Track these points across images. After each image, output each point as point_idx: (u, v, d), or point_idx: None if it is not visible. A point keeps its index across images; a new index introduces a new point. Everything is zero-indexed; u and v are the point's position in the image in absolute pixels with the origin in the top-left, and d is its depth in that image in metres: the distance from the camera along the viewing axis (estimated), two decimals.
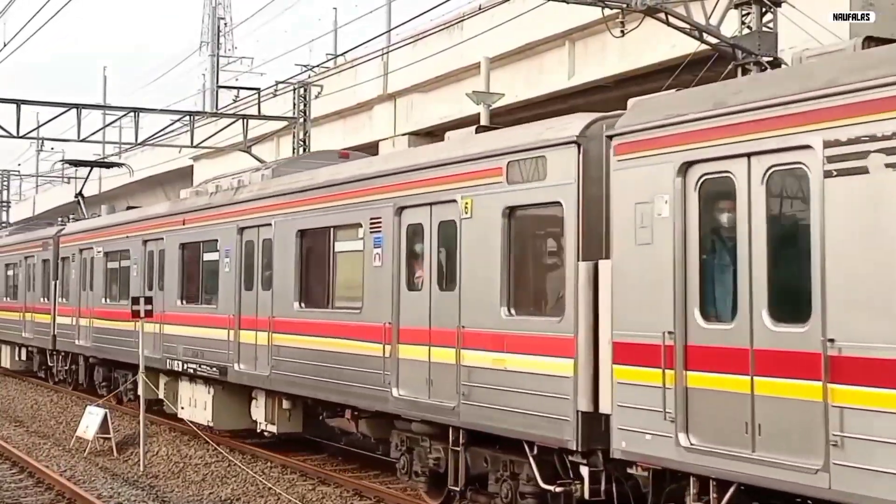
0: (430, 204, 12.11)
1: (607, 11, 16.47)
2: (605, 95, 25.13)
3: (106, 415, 18.49)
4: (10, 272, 32.36)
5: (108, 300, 23.16)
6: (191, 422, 18.23)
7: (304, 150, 29.60)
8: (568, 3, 16.86)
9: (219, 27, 64.06)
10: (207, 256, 18.14)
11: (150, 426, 19.15)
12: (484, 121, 22.61)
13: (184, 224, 18.98)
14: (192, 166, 49.10)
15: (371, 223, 13.16)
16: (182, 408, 18.96)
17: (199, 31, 72.35)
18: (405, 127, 33.42)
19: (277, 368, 15.30)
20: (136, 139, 30.67)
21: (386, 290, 12.71)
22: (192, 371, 18.17)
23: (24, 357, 31.15)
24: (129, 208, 26.64)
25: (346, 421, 14.70)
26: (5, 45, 28.41)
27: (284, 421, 16.24)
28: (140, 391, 17.45)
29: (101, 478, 15.80)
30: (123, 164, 32.66)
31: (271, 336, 15.45)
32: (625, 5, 15.98)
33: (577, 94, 26.36)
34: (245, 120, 28.73)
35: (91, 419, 18.63)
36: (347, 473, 15.19)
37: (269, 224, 15.75)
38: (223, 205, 17.56)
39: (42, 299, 28.08)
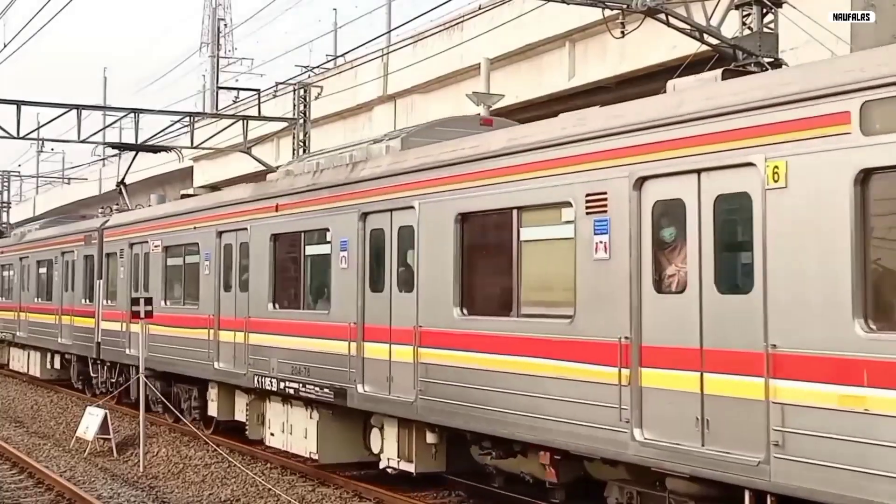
0: (698, 171, 8.77)
1: (607, 12, 16.45)
2: (606, 96, 25.14)
3: (106, 415, 18.47)
4: (44, 270, 28.46)
5: (167, 303, 19.70)
6: (286, 452, 15.86)
7: (305, 151, 29.58)
8: (568, 3, 16.85)
9: (219, 28, 64.10)
10: (312, 250, 14.86)
11: (150, 427, 19.13)
12: None
13: (277, 210, 15.49)
14: (192, 167, 49.14)
15: (589, 202, 9.80)
16: (272, 434, 16.07)
17: (199, 32, 72.44)
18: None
19: (428, 393, 11.97)
20: (137, 140, 30.64)
21: (618, 293, 9.41)
22: (291, 391, 14.84)
23: (56, 365, 28.01)
24: (183, 196, 23.26)
25: (517, 462, 11.53)
26: (5, 46, 28.48)
27: (427, 458, 12.98)
28: (141, 393, 17.38)
29: (101, 478, 15.80)
30: (173, 149, 29.02)
31: (417, 352, 12.10)
32: (625, 6, 15.96)
33: (578, 95, 26.37)
34: (245, 121, 28.70)
35: (91, 420, 18.62)
36: (348, 475, 15.16)
37: (411, 207, 12.39)
38: (336, 185, 14.07)
39: (83, 301, 24.72)
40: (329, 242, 14.12)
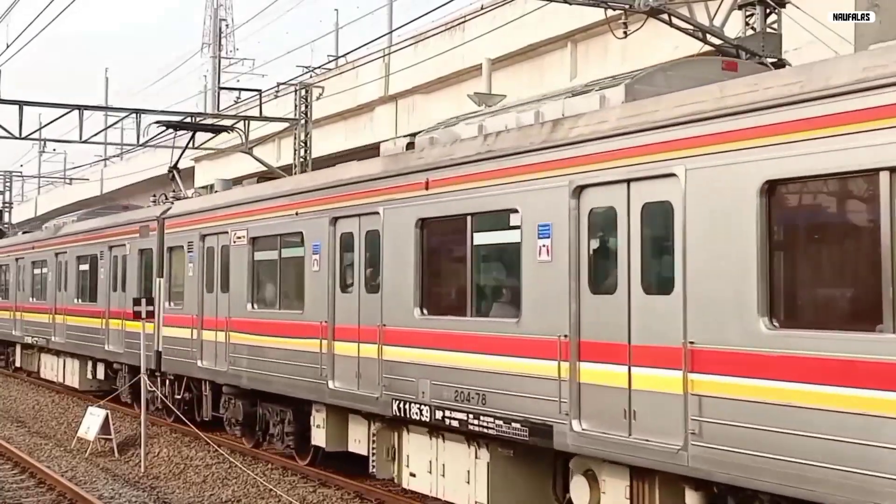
0: None
1: (610, 13, 16.45)
2: None
3: (107, 416, 18.47)
4: (85, 266, 24.69)
5: (255, 306, 16.28)
6: (438, 499, 12.35)
7: (306, 151, 29.59)
8: (570, 3, 16.83)
9: (220, 28, 64.14)
10: (487, 238, 11.53)
11: (151, 427, 19.11)
12: None
13: (427, 188, 12.12)
14: (192, 167, 49.20)
15: None
16: (412, 475, 12.69)
17: (200, 32, 72.55)
18: (407, 129, 33.43)
19: (709, 439, 8.45)
20: (138, 140, 30.72)
21: None
22: (454, 423, 11.41)
23: (100, 375, 24.30)
24: (260, 179, 19.25)
25: None
26: (8, 47, 28.54)
27: None
28: (142, 393, 17.36)
29: (103, 479, 15.80)
30: (234, 129, 25.56)
31: (689, 381, 8.62)
32: (628, 6, 15.95)
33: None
34: (246, 121, 28.72)
35: (92, 420, 18.62)
36: (349, 476, 15.14)
37: (670, 175, 8.89)
38: (528, 151, 10.53)
39: None
40: (517, 228, 10.66)
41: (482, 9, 28.82)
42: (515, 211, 10.69)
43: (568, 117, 10.41)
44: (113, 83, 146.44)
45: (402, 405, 12.22)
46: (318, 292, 14.20)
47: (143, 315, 16.88)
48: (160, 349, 19.67)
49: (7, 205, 50.58)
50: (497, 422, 10.72)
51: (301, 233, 14.80)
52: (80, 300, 24.99)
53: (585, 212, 9.85)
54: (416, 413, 11.96)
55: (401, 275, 12.43)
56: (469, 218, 11.48)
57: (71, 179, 64.84)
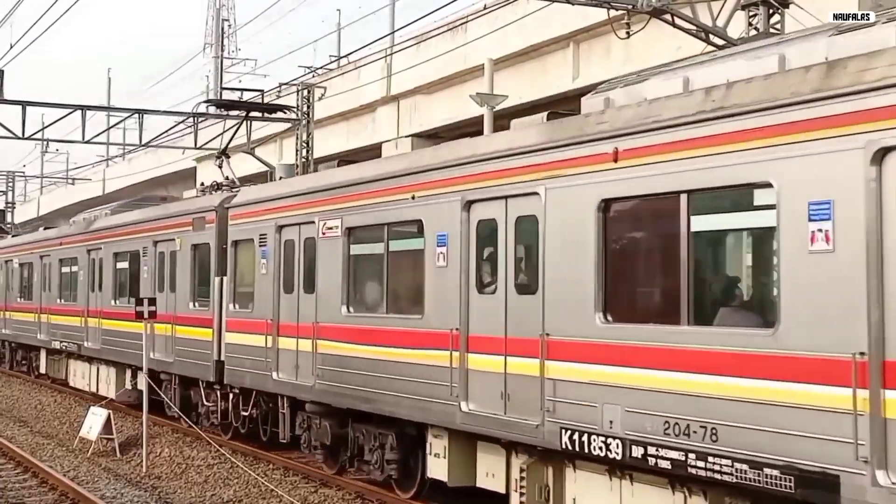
0: None
1: (612, 13, 16.46)
2: None
3: (109, 416, 18.48)
4: (124, 264, 22.38)
5: (351, 309, 13.75)
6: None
7: (308, 152, 29.63)
8: (573, 4, 16.85)
9: (223, 28, 64.14)
10: (708, 222, 9.03)
11: (153, 427, 19.11)
12: (487, 123, 22.61)
13: (615, 160, 9.52)
14: (195, 168, 49.22)
15: None
16: None
17: (202, 32, 72.56)
18: (408, 129, 33.48)
19: None
20: (141, 141, 30.73)
21: None
22: (661, 463, 8.87)
23: (140, 385, 20.84)
24: (341, 163, 17.11)
25: None
26: (12, 47, 28.56)
27: None
28: (144, 391, 17.35)
29: (104, 478, 15.81)
30: (291, 108, 23.23)
31: None
32: (630, 6, 15.96)
33: (582, 95, 26.34)
34: (248, 121, 28.69)
35: (94, 420, 18.64)
36: (350, 477, 15.14)
37: None
38: (787, 105, 8.00)
39: (191, 305, 18.80)
40: (769, 208, 8.17)
41: (484, 9, 28.82)
42: (767, 185, 8.14)
43: (847, 58, 7.86)
44: (115, 83, 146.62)
45: (576, 436, 9.72)
46: (444, 294, 11.69)
47: (146, 315, 16.88)
48: (222, 358, 17.40)
49: (10, 205, 50.63)
50: (737, 465, 8.19)
51: (420, 221, 12.26)
52: (117, 301, 22.66)
53: (893, 184, 7.26)
54: (600, 448, 9.44)
55: (573, 271, 9.89)
56: (684, 197, 8.88)
57: (73, 180, 64.90)
